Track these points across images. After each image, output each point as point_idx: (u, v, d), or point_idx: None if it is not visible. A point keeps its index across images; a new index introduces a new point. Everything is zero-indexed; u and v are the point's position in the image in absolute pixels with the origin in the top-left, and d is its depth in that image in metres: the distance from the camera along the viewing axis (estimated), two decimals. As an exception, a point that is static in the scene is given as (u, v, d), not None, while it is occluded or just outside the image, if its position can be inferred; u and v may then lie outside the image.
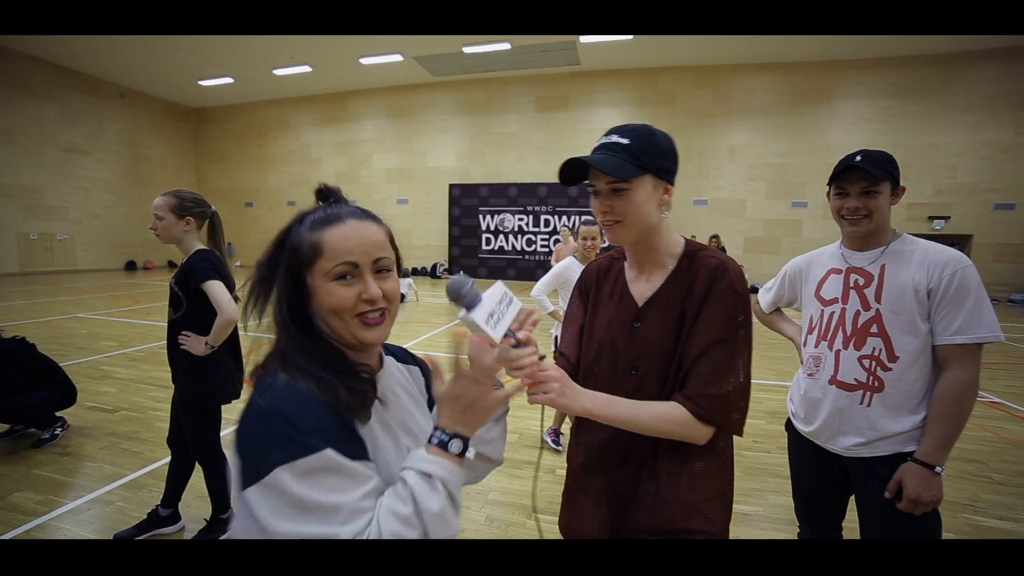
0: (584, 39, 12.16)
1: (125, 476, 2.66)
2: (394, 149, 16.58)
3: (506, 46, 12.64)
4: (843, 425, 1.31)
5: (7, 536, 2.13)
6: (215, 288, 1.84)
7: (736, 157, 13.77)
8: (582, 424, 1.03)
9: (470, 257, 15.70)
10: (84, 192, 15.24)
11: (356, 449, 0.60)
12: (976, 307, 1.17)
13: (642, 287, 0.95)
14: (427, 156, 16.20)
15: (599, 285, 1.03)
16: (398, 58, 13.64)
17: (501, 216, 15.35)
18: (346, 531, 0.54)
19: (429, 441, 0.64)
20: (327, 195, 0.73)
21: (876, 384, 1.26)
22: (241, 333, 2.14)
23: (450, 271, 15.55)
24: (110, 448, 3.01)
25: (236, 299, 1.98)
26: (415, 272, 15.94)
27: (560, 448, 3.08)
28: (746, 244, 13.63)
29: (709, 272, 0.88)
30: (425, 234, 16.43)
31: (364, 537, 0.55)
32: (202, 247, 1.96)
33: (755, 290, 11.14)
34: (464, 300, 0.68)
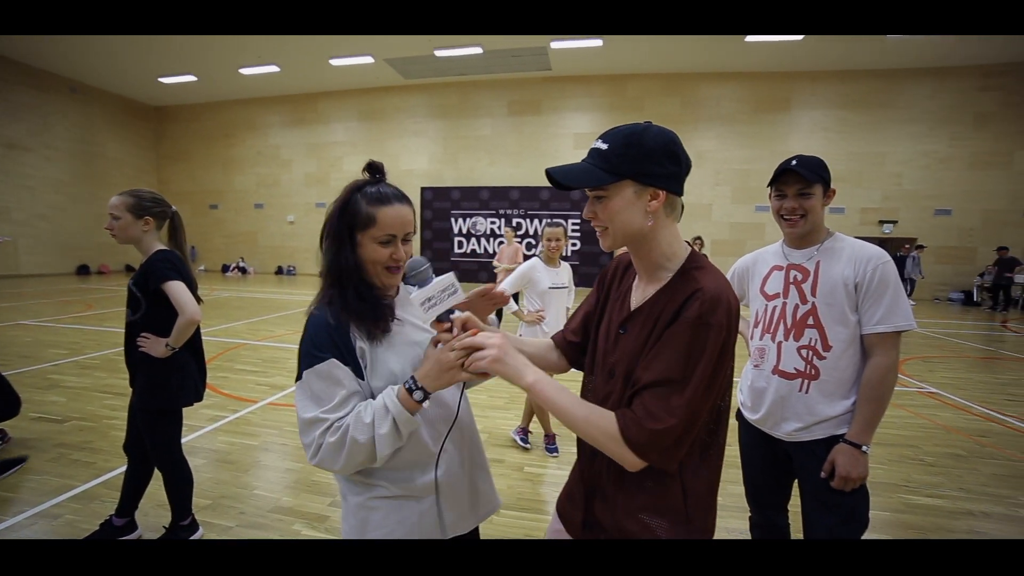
0: (555, 44, 12.33)
1: (75, 488, 2.54)
2: (366, 152, 16.37)
3: (478, 50, 12.70)
4: (785, 411, 1.40)
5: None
6: (176, 288, 1.79)
7: (703, 163, 14.22)
8: None
9: (442, 260, 15.62)
10: (28, 191, 14.34)
11: (352, 363, 0.92)
12: (894, 299, 1.28)
13: (639, 294, 0.93)
14: (400, 159, 16.07)
15: (618, 281, 1.02)
16: (369, 60, 13.50)
17: (473, 219, 15.36)
18: (332, 416, 0.87)
19: (404, 383, 0.90)
20: (374, 171, 0.99)
21: (813, 372, 1.36)
22: (204, 335, 2.09)
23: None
24: (58, 460, 2.87)
25: (199, 300, 1.93)
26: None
27: (528, 446, 3.12)
28: (713, 247, 14.07)
29: (684, 296, 0.82)
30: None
31: (338, 423, 0.87)
32: (162, 247, 1.90)
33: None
34: (412, 280, 0.91)
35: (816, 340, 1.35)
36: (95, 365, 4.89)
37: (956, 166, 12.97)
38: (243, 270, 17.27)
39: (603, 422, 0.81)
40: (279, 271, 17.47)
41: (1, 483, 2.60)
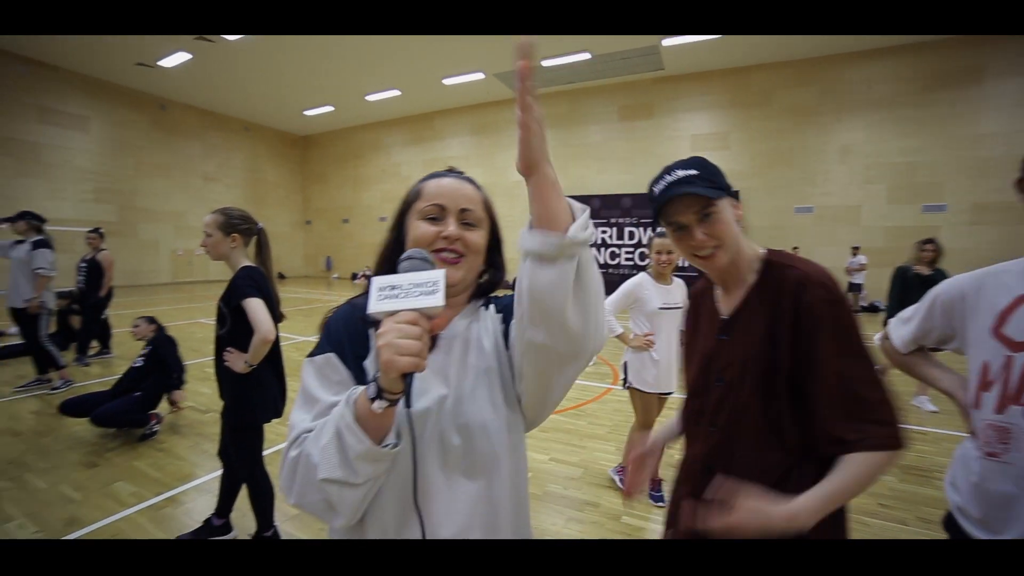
0: (666, 42, 11.57)
1: (199, 478, 2.82)
2: (478, 165, 17.04)
3: (586, 56, 12.45)
4: None
5: (101, 524, 2.33)
6: (253, 305, 1.83)
7: (848, 159, 12.14)
8: None
9: (548, 270, 15.54)
10: (215, 214, 17.84)
11: (356, 368, 0.73)
12: None
13: (728, 302, 0.98)
14: (509, 171, 16.42)
15: (699, 308, 1.08)
16: (480, 76, 14.05)
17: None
18: (310, 425, 0.67)
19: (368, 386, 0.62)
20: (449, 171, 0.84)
21: None
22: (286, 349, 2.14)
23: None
24: (194, 448, 3.25)
25: (281, 317, 1.96)
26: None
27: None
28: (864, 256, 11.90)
29: (791, 288, 0.86)
30: (509, 248, 16.55)
31: (307, 435, 0.66)
32: (248, 264, 1.97)
33: (875, 309, 9.49)
34: (400, 264, 0.66)
35: None
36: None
37: None
38: (367, 277, 19.12)
39: (868, 466, 0.80)
40: (398, 279, 19.05)
41: (155, 462, 3.01)
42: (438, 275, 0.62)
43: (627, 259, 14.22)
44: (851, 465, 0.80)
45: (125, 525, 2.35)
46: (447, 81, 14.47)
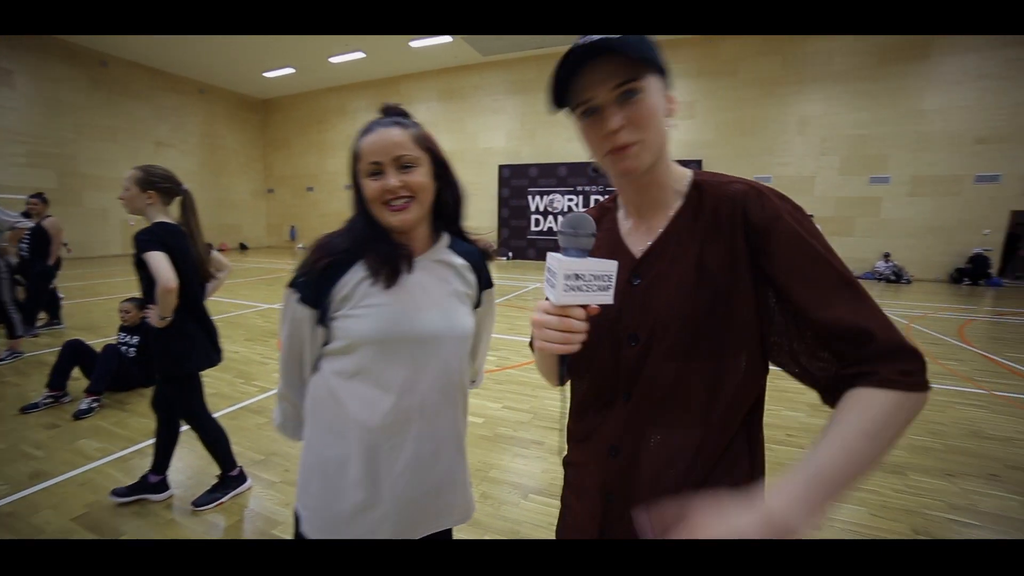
0: (637, 8, 11.48)
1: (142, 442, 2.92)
2: (446, 131, 16.74)
3: (554, 20, 12.23)
4: None
5: (68, 475, 2.42)
6: (152, 258, 1.86)
7: (806, 130, 12.56)
8: None
9: (519, 238, 15.66)
10: (170, 181, 16.92)
11: (315, 297, 0.87)
12: None
13: (641, 236, 0.74)
14: (478, 137, 16.23)
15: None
16: (447, 39, 13.65)
17: (550, 196, 15.13)
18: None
19: None
20: (386, 111, 0.92)
21: None
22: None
23: (499, 252, 15.63)
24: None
25: (210, 276, 2.06)
26: (463, 254, 16.18)
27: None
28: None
29: (735, 204, 0.66)
30: (476, 215, 16.55)
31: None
32: (163, 220, 1.99)
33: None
34: (569, 240, 0.63)
35: None
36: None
37: None
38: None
39: (885, 406, 0.55)
40: (367, 249, 18.76)
41: (111, 421, 3.07)
42: (612, 268, 0.63)
43: (595, 228, 14.45)
44: (859, 409, 0.56)
45: (95, 475, 2.45)
46: (414, 44, 13.99)
